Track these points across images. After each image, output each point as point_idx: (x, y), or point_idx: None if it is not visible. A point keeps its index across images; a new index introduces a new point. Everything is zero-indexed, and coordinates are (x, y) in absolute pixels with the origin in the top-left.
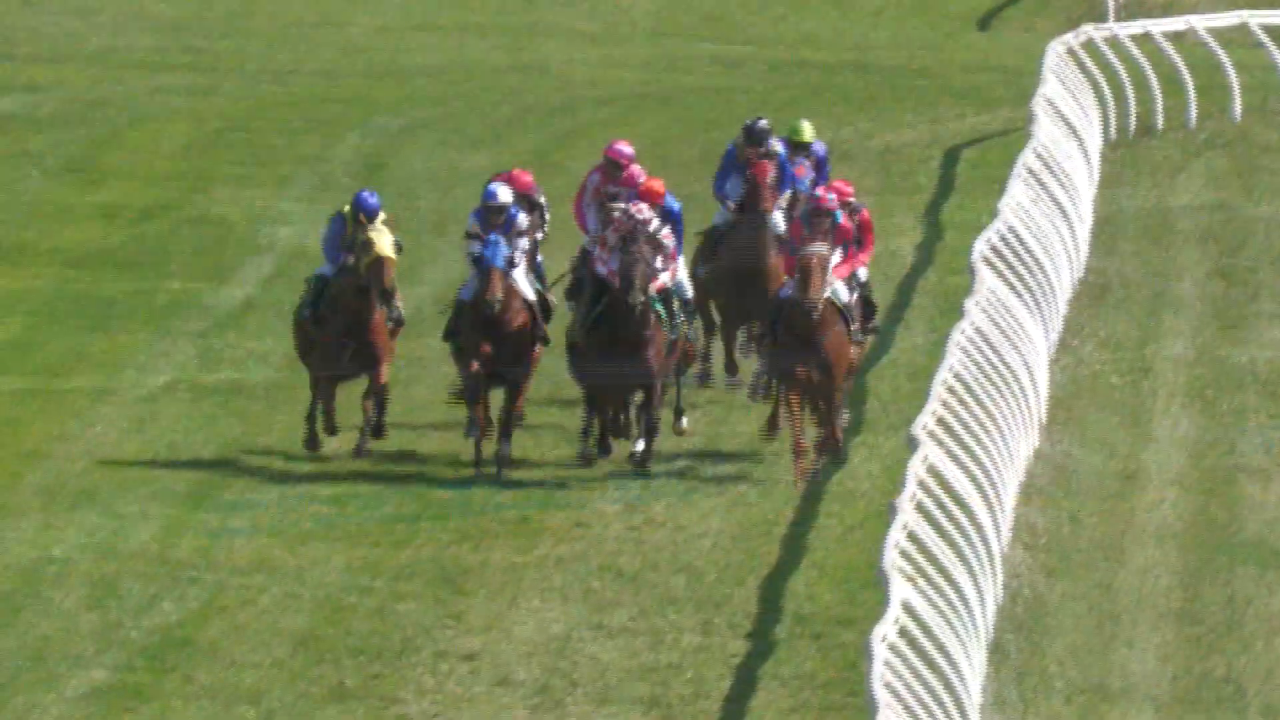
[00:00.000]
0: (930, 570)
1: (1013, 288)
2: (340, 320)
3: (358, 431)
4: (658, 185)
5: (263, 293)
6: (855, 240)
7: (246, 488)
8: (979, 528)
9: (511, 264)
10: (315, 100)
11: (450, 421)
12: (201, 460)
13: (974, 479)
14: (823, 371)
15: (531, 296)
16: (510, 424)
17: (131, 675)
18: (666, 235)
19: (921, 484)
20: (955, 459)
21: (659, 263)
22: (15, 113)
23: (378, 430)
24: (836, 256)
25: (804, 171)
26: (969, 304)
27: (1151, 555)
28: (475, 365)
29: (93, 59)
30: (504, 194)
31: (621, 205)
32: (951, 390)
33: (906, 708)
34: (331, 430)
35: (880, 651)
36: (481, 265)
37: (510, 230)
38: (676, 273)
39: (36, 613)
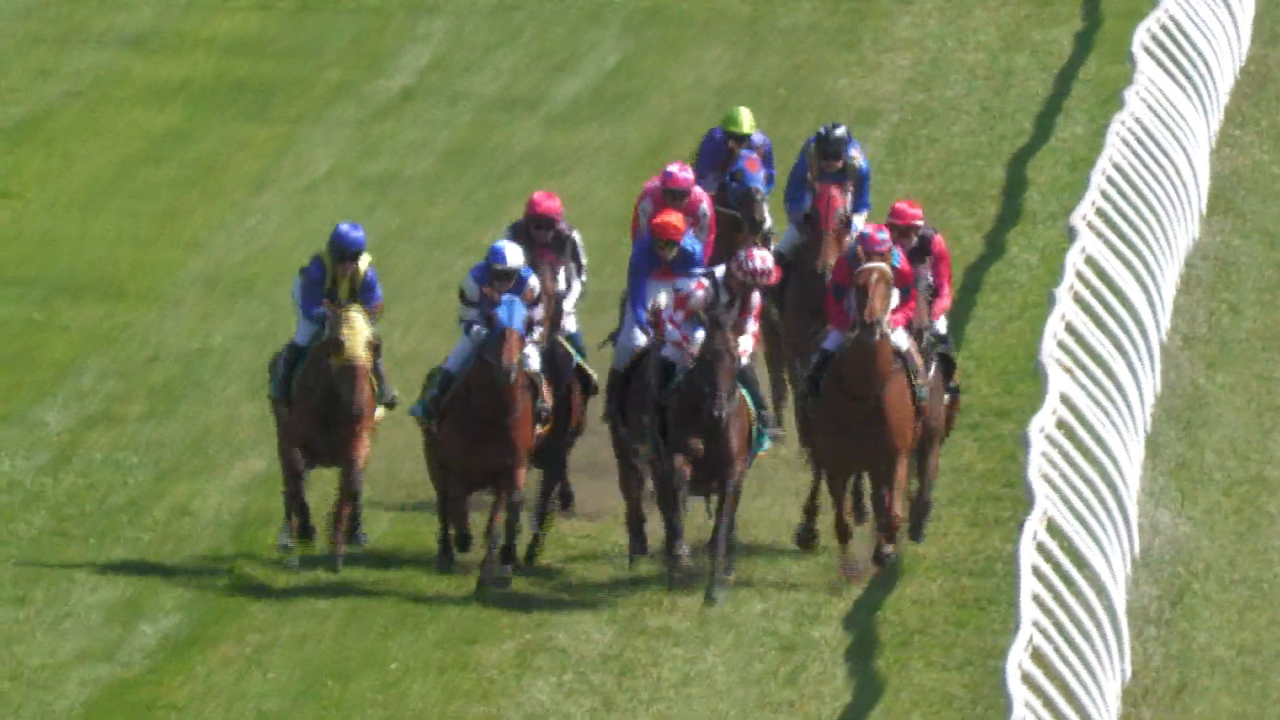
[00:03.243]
0: (1088, 362)
1: (1173, 77)
2: (316, 403)
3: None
4: (676, 220)
5: (420, 82)
6: (920, 279)
7: (405, 277)
8: (1137, 319)
9: (530, 328)
10: None
11: None
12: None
13: (1133, 270)
14: (878, 436)
15: (537, 367)
16: (510, 531)
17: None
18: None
19: (1079, 275)
20: (1114, 249)
21: (746, 329)
22: None
23: (352, 531)
24: (894, 299)
25: (755, 166)
26: (1129, 94)
27: None
28: (458, 484)
29: None
30: (513, 257)
31: (753, 252)
32: (1110, 180)
33: (1064, 499)
34: (305, 530)
35: (1038, 442)
36: (496, 326)
37: (520, 295)
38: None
39: (197, 402)
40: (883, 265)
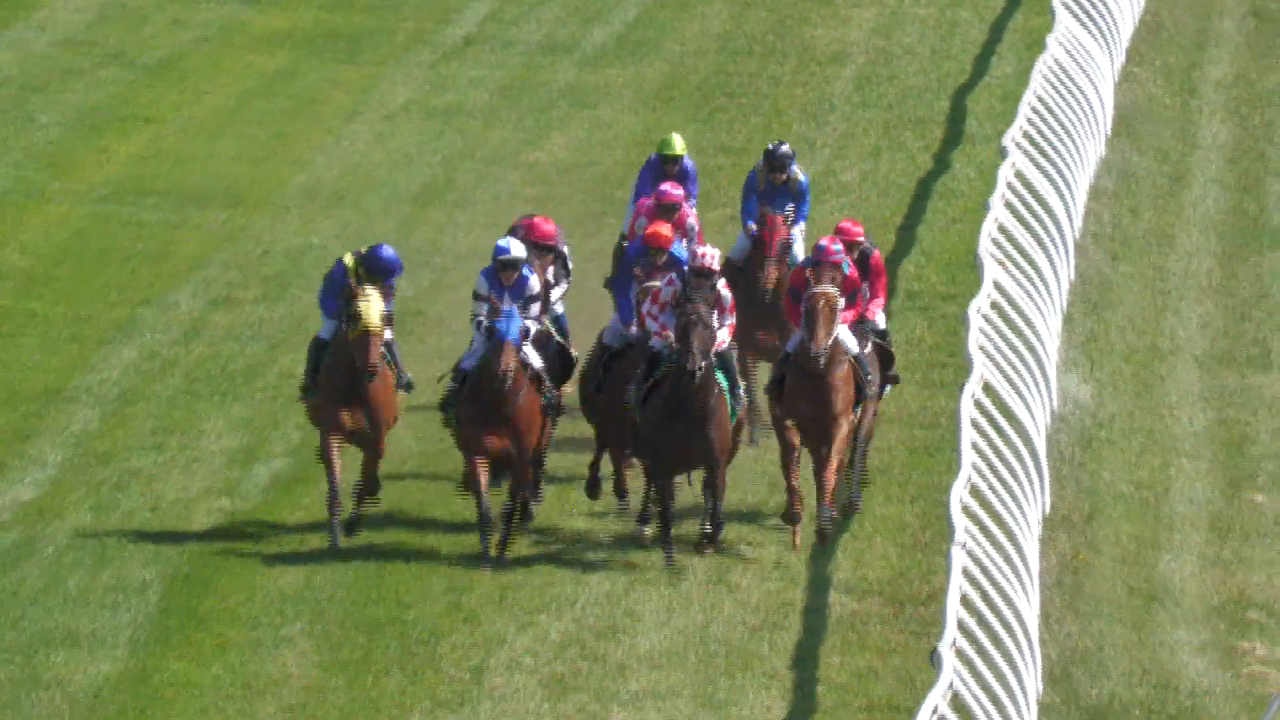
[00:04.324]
0: (1017, 255)
1: (1085, 26)
2: (342, 386)
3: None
4: (666, 231)
5: (479, 31)
6: (866, 287)
7: (467, 190)
8: (1056, 221)
9: (525, 335)
10: None
11: None
12: (431, 168)
13: (1052, 181)
14: (823, 421)
15: (539, 365)
16: (523, 506)
17: None
18: (725, 286)
19: (1010, 186)
20: (1037, 165)
21: (717, 320)
22: None
23: (370, 490)
24: (841, 303)
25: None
26: (1050, 40)
27: (1196, 241)
28: (480, 458)
29: None
30: (517, 249)
31: (697, 250)
32: (1035, 110)
33: (997, 366)
34: (334, 494)
35: (976, 320)
36: (494, 338)
37: (522, 293)
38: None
39: (301, 288)
40: (830, 290)
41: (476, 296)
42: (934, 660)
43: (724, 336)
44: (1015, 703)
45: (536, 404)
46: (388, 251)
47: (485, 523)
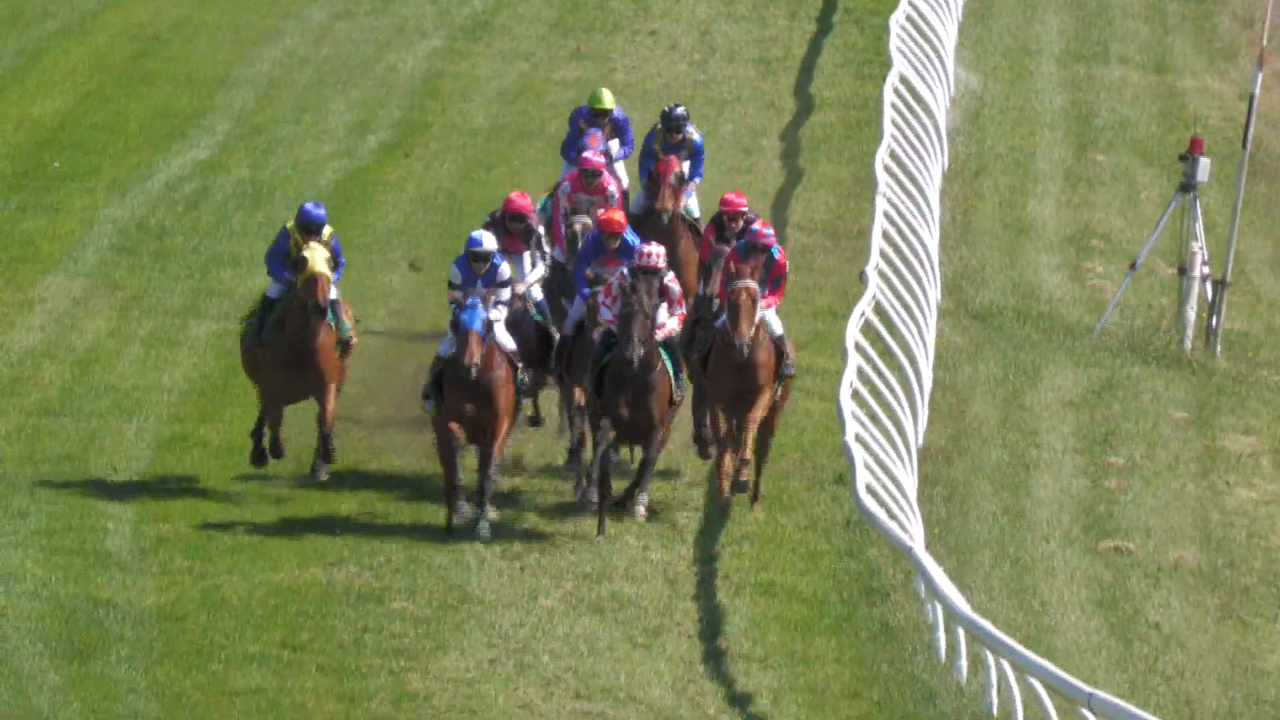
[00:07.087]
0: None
1: None
2: (286, 343)
3: (313, 452)
4: (619, 217)
5: None
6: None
7: None
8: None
9: (490, 326)
10: None
11: None
12: None
13: None
14: (748, 396)
15: (511, 347)
16: (487, 481)
17: (452, 49)
18: (672, 280)
19: None
20: None
21: (664, 311)
22: None
23: (327, 454)
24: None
25: (596, 141)
26: None
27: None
28: (454, 428)
29: None
30: (489, 242)
31: (644, 249)
32: None
33: (910, 62)
34: (277, 453)
35: (895, 29)
36: (459, 330)
37: (492, 282)
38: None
39: (402, 4)
40: (750, 284)
41: (451, 285)
42: (862, 278)
43: (673, 326)
44: (921, 308)
45: (511, 384)
46: (310, 207)
47: (455, 495)
